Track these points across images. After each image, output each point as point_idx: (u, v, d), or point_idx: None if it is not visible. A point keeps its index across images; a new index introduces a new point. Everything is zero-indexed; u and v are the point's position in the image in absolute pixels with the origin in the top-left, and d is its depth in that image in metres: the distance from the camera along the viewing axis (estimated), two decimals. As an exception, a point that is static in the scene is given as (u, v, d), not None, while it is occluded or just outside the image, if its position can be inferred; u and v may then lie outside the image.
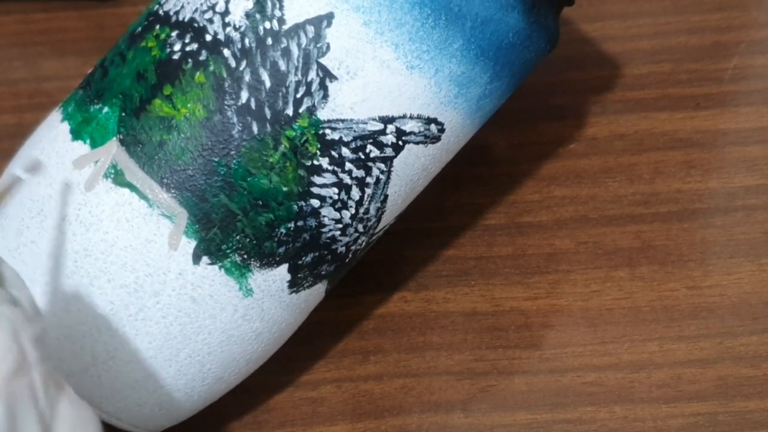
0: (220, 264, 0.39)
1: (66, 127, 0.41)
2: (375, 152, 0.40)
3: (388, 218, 0.42)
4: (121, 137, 0.39)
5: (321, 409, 0.46)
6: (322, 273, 0.42)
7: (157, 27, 0.40)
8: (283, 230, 0.39)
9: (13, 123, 0.54)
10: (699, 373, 0.46)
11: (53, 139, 0.41)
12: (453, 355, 0.47)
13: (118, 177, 0.39)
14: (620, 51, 0.56)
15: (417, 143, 0.40)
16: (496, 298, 0.48)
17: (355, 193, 0.40)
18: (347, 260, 0.42)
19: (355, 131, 0.39)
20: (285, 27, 0.38)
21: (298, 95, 0.38)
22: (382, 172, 0.40)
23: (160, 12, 0.41)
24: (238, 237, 0.39)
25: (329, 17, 0.38)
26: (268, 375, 0.46)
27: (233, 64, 0.39)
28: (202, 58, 0.39)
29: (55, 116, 0.42)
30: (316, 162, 0.39)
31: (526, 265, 0.49)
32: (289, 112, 0.38)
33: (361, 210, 0.41)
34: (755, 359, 0.46)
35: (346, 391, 0.46)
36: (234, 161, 0.38)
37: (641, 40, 0.56)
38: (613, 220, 0.50)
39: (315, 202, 0.40)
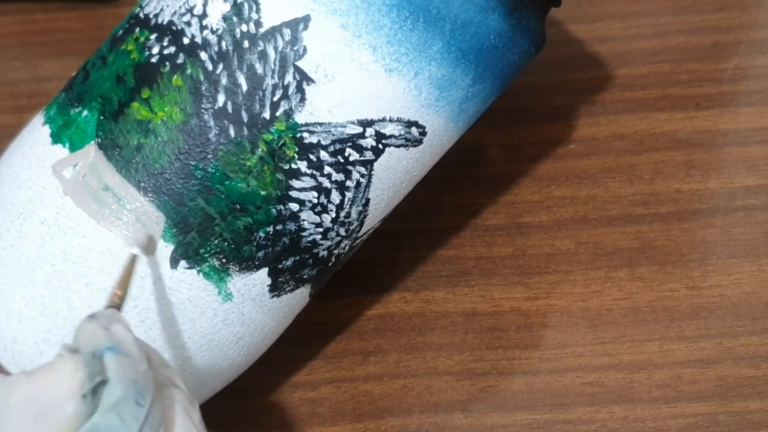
0: (198, 268, 0.39)
1: (47, 130, 0.40)
2: (354, 156, 0.39)
3: (371, 222, 0.42)
4: (100, 141, 0.39)
5: (321, 409, 0.46)
6: (304, 277, 0.41)
7: (137, 30, 0.40)
8: (261, 234, 0.39)
9: (13, 123, 0.54)
10: (699, 373, 0.46)
11: (34, 143, 0.41)
12: (453, 355, 0.47)
13: None
14: (620, 51, 0.56)
15: (398, 146, 0.40)
16: (496, 299, 0.48)
17: (335, 196, 0.40)
18: (330, 264, 0.42)
19: (333, 134, 0.39)
20: (262, 30, 0.38)
21: (275, 98, 0.38)
22: (362, 175, 0.40)
23: (141, 15, 0.41)
24: (216, 241, 0.39)
25: (306, 20, 0.38)
26: (268, 375, 0.46)
27: (210, 67, 0.38)
28: (180, 61, 0.39)
29: (38, 119, 0.42)
30: (294, 165, 0.39)
31: (526, 265, 0.49)
32: (266, 115, 0.38)
33: (342, 214, 0.40)
34: (755, 359, 0.46)
35: (346, 391, 0.46)
36: (211, 165, 0.38)
37: (641, 40, 0.56)
38: (613, 220, 0.50)
39: (294, 206, 0.39)
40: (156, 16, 0.40)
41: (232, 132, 0.38)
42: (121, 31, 0.41)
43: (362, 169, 0.40)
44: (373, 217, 0.42)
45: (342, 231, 0.41)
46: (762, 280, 0.48)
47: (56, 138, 0.40)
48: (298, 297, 0.42)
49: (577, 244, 0.50)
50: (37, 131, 0.41)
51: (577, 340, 0.47)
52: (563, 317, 0.48)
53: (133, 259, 0.37)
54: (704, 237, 0.50)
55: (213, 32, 0.39)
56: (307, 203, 0.39)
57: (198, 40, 0.39)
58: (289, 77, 0.38)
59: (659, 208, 0.51)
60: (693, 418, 0.45)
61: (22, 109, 0.55)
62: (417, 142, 0.41)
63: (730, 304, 0.48)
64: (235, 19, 0.38)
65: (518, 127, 0.53)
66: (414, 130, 0.40)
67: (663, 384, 0.46)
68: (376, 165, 0.40)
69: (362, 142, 0.39)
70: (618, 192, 0.51)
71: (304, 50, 0.38)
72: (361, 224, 0.42)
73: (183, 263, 0.39)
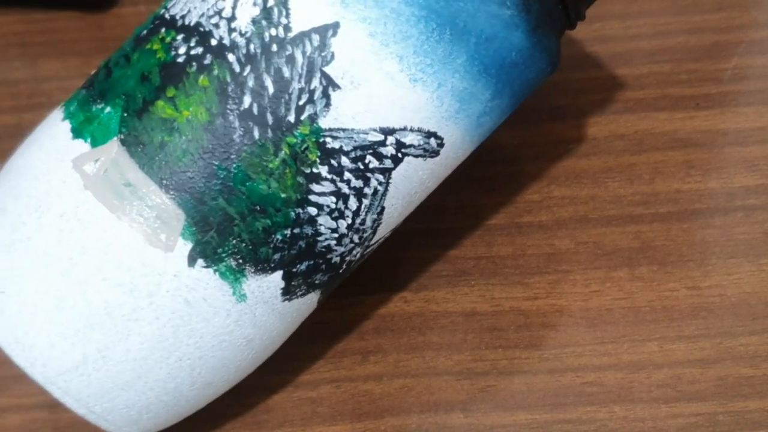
0: (215, 267, 0.39)
1: (67, 125, 0.41)
2: (374, 163, 0.40)
3: (383, 231, 0.42)
4: (123, 137, 0.39)
5: (320, 409, 0.46)
6: (316, 282, 0.41)
7: (163, 30, 0.40)
8: (279, 237, 0.39)
9: (12, 123, 0.54)
10: (699, 373, 0.46)
11: (53, 137, 0.41)
12: (453, 355, 0.47)
13: None
14: (620, 51, 0.56)
15: (416, 156, 0.40)
16: (495, 298, 0.48)
17: (353, 203, 0.40)
18: (341, 270, 0.42)
19: (355, 141, 0.39)
20: (290, 34, 0.38)
21: (301, 102, 0.38)
22: (380, 183, 0.40)
23: (167, 16, 0.41)
24: (234, 241, 0.39)
25: (335, 27, 0.38)
26: (268, 375, 0.46)
27: (237, 69, 0.38)
28: (207, 62, 0.39)
29: (57, 115, 0.42)
30: (315, 170, 0.39)
31: (526, 265, 0.49)
32: (291, 118, 0.38)
33: (358, 220, 0.41)
34: (755, 359, 0.46)
35: (346, 391, 0.46)
36: (234, 165, 0.38)
37: (641, 40, 0.56)
38: (613, 220, 0.50)
39: (312, 210, 0.39)
40: (183, 17, 0.40)
41: (256, 134, 0.38)
42: (145, 31, 0.41)
43: (380, 177, 0.40)
44: (386, 226, 0.42)
45: (356, 238, 0.41)
46: (762, 280, 0.48)
47: (77, 133, 0.40)
48: (308, 302, 0.42)
49: (577, 244, 0.50)
50: (56, 126, 0.41)
51: (577, 340, 0.47)
52: (563, 317, 0.48)
53: None
54: (704, 237, 0.50)
55: (241, 35, 0.39)
56: (325, 208, 0.40)
57: (226, 41, 0.39)
58: (315, 82, 0.38)
59: (659, 208, 0.51)
60: (693, 417, 0.45)
61: (22, 109, 0.55)
62: (434, 153, 0.41)
63: (729, 304, 0.48)
64: (264, 22, 0.39)
65: (519, 127, 0.53)
66: (432, 141, 0.40)
67: (663, 384, 0.46)
68: (394, 174, 0.40)
69: (383, 150, 0.40)
70: (618, 192, 0.51)
71: (332, 56, 0.38)
72: (374, 232, 0.42)
73: (200, 262, 0.39)
